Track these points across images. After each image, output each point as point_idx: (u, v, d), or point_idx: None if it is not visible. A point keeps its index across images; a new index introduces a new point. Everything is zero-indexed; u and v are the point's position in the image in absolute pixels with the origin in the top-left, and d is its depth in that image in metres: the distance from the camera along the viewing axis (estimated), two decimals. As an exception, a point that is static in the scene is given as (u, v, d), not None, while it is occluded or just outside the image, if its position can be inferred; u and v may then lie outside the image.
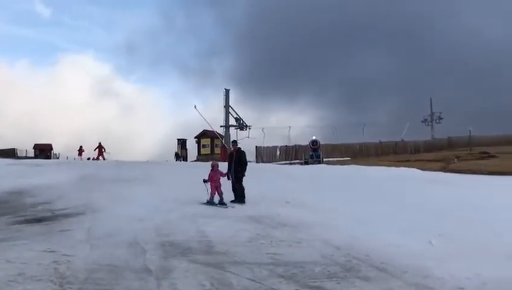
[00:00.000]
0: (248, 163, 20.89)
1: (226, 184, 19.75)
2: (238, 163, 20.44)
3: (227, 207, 18.51)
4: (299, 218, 16.62)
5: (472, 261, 11.96)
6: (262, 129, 74.95)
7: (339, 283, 9.89)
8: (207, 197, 19.27)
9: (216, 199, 19.19)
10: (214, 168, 19.82)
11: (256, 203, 18.48)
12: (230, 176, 20.27)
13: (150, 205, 18.50)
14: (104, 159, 54.53)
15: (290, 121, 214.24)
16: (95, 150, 55.69)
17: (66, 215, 16.54)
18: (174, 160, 68.64)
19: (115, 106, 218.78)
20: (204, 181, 19.43)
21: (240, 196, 19.76)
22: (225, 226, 15.03)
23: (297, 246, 12.97)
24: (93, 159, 57.25)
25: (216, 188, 19.25)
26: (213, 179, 19.41)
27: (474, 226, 16.52)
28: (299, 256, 11.83)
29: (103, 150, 55.47)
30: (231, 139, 68.77)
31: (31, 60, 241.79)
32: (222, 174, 19.65)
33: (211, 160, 21.19)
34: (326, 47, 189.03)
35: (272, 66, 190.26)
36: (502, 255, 12.83)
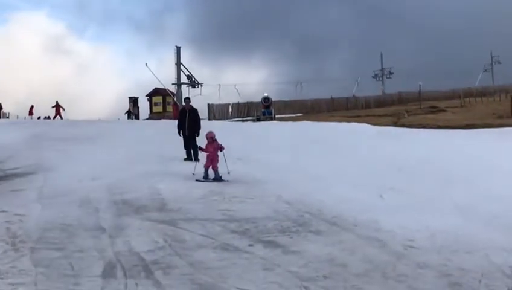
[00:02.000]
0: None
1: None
2: (193, 121, 20.10)
3: (227, 181, 15.90)
4: (252, 175, 16.72)
5: (422, 213, 12.23)
6: (219, 86, 74.73)
7: (291, 237, 10.05)
8: (194, 170, 16.57)
9: (211, 173, 16.38)
10: (208, 139, 16.97)
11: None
12: (181, 133, 19.96)
13: (102, 163, 18.37)
14: (61, 118, 53.05)
15: (246, 78, 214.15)
16: (52, 107, 54.47)
17: (17, 175, 16.39)
18: (126, 118, 67.89)
19: (68, 64, 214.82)
20: (200, 149, 17.28)
21: (195, 154, 19.33)
22: (178, 183, 15.06)
23: (250, 202, 13.09)
24: (46, 118, 56.24)
25: (211, 161, 16.47)
26: (209, 151, 16.65)
27: (423, 179, 16.84)
28: (252, 212, 11.95)
29: (61, 108, 54.30)
30: (183, 97, 68.44)
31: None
32: (220, 148, 16.61)
33: (207, 132, 17.31)
34: (279, 1, 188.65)
35: (226, 23, 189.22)
36: (450, 207, 13.16)
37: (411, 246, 9.61)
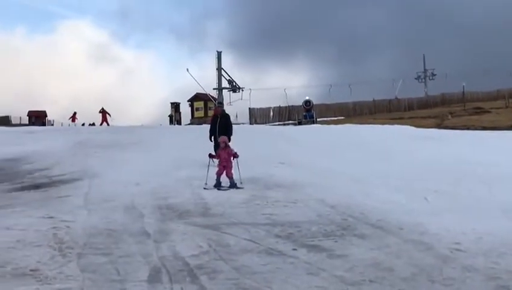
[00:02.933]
0: (241, 125, 20.72)
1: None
2: (224, 128, 19.50)
3: (242, 188, 15.31)
4: (294, 178, 16.71)
5: (467, 216, 12.07)
6: (242, 89, 74.68)
7: (336, 241, 9.99)
8: (206, 180, 15.71)
9: (224, 180, 15.79)
10: (221, 145, 16.50)
11: (250, 164, 18.33)
12: (213, 140, 19.62)
13: (145, 169, 18.57)
14: (108, 124, 53.15)
15: (287, 82, 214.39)
16: (99, 112, 54.76)
17: (63, 181, 16.62)
18: (168, 123, 68.43)
19: (111, 71, 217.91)
20: (211, 156, 16.48)
21: None
22: (224, 189, 15.15)
23: (293, 206, 13.08)
24: (91, 124, 56.75)
25: (224, 168, 15.86)
26: (221, 158, 16.04)
27: (469, 181, 16.63)
28: (295, 216, 11.94)
29: (107, 115, 54.64)
30: (224, 101, 68.53)
31: (27, 27, 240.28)
32: (234, 154, 16.14)
33: (220, 137, 17.09)
34: (320, 4, 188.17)
35: (267, 26, 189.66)
36: (496, 209, 12.95)
37: (457, 249, 9.47)
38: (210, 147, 19.19)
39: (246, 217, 11.79)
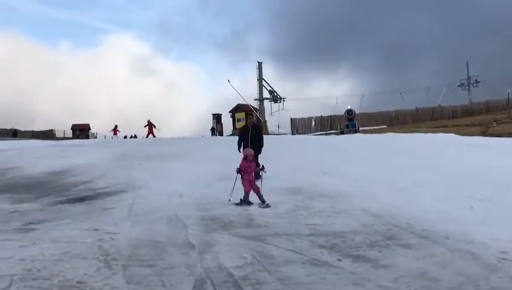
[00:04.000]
0: (283, 135, 20.52)
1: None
2: (256, 140, 18.92)
3: (269, 206, 14.34)
4: (337, 188, 16.66)
5: (514, 225, 11.90)
6: (283, 99, 74.70)
7: (380, 252, 9.90)
8: (231, 195, 14.95)
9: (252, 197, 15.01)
10: (248, 158, 15.59)
11: (293, 174, 18.33)
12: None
13: (188, 180, 18.67)
14: (154, 136, 53.57)
15: (330, 91, 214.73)
16: (144, 126, 55.29)
17: (108, 194, 16.76)
18: (210, 135, 68.81)
19: (154, 84, 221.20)
20: (239, 171, 15.36)
21: (256, 174, 17.18)
22: (264, 198, 15.11)
23: (336, 216, 13.00)
24: (132, 137, 57.23)
25: (250, 183, 15.11)
26: (246, 172, 15.27)
27: (513, 190, 16.40)
28: (339, 226, 11.86)
29: (153, 127, 54.96)
30: (265, 112, 68.58)
31: (71, 42, 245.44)
32: (256, 168, 15.68)
33: (245, 149, 16.31)
34: (363, 13, 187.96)
35: (308, 36, 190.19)
36: (543, 218, 12.74)
37: (504, 259, 9.30)
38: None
39: (289, 228, 11.74)
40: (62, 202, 15.66)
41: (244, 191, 15.00)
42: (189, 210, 13.81)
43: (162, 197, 15.67)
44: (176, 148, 31.23)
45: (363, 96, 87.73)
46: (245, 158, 15.53)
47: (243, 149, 17.56)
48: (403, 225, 11.93)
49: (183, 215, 13.09)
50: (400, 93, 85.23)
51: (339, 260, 9.35)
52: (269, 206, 14.25)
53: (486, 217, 12.74)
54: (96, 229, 11.59)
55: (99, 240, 10.68)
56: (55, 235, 11.11)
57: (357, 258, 9.46)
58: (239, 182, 15.28)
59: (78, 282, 8.15)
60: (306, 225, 12.03)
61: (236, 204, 14.64)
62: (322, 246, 10.24)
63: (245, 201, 14.81)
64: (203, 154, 28.64)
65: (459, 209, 13.64)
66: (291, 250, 9.98)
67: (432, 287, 7.92)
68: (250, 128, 19.36)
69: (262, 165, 15.46)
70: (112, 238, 10.81)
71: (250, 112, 20.34)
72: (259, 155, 18.69)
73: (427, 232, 11.21)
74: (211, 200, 15.00)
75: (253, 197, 14.89)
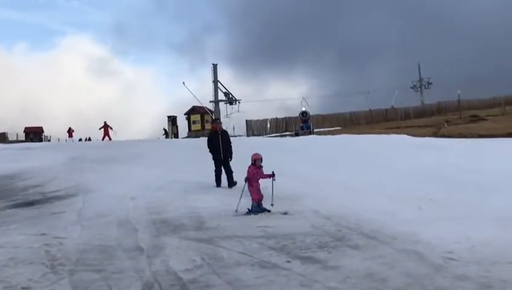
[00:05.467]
0: (238, 137, 20.45)
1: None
2: (227, 143, 18.82)
3: (270, 211, 13.67)
4: (290, 189, 16.68)
5: (461, 225, 12.08)
6: (238, 101, 75.01)
7: (329, 253, 9.94)
8: (239, 204, 13.92)
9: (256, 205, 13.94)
10: (257, 163, 14.21)
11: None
12: (218, 157, 18.57)
13: (140, 183, 18.54)
14: (110, 138, 52.77)
15: (286, 93, 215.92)
16: (100, 129, 54.31)
17: (58, 198, 16.56)
18: (164, 137, 68.32)
19: (111, 86, 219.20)
20: (247, 180, 14.10)
21: (230, 179, 18.28)
22: (215, 201, 15.09)
23: (288, 217, 13.06)
24: (87, 139, 56.55)
25: (258, 190, 14.00)
26: (254, 179, 14.02)
27: (464, 190, 16.69)
28: (290, 228, 11.88)
29: (109, 129, 53.98)
30: (221, 114, 68.54)
31: (27, 44, 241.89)
32: (266, 175, 14.18)
33: (254, 154, 14.34)
34: (319, 16, 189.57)
35: (266, 41, 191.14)
36: (491, 218, 12.96)
37: (450, 258, 9.43)
38: (207, 161, 19.17)
39: (240, 230, 11.73)
40: (10, 207, 15.44)
41: (252, 199, 13.91)
42: (141, 213, 13.72)
43: (114, 200, 15.54)
44: (131, 151, 31.02)
45: (368, 92, 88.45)
46: (253, 163, 14.19)
47: (214, 152, 17.78)
48: (353, 226, 12.02)
49: (134, 219, 13.00)
50: (368, 92, 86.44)
51: (288, 261, 9.37)
52: (269, 211, 13.59)
53: (435, 218, 12.92)
54: (44, 234, 11.42)
55: (46, 245, 10.52)
56: (1, 240, 10.93)
57: (306, 259, 9.49)
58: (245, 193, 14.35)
59: (23, 288, 8.03)
60: (257, 227, 12.03)
61: (245, 214, 13.62)
62: (271, 248, 10.25)
63: (254, 211, 13.70)
64: (156, 157, 28.48)
65: (408, 210, 13.82)
66: (241, 252, 9.97)
67: (379, 288, 7.98)
68: (219, 134, 19.04)
69: (273, 172, 14.08)
70: (60, 243, 10.67)
71: (217, 118, 19.80)
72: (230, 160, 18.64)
73: (376, 233, 11.32)
74: (163, 204, 14.91)
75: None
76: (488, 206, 14.31)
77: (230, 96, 76.01)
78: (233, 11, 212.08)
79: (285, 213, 13.57)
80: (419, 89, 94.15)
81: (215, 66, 75.95)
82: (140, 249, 10.30)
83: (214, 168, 18.64)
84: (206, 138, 19.74)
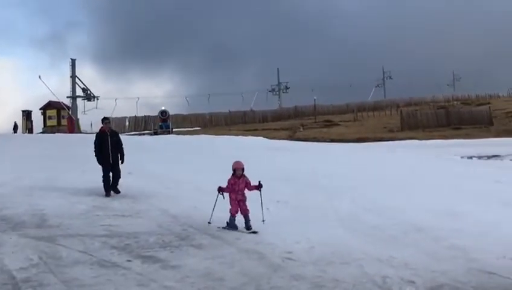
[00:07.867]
0: (94, 134, 19.03)
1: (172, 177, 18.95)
2: (116, 147, 16.47)
3: (257, 233, 11.82)
4: (141, 188, 16.56)
5: (304, 225, 12.40)
6: (97, 98, 74.11)
7: (172, 252, 9.95)
8: (210, 218, 12.42)
9: (237, 220, 12.31)
10: (237, 172, 12.62)
11: (94, 175, 17.43)
12: (106, 162, 16.16)
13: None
14: None
15: (153, 91, 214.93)
16: None
17: None
18: (12, 132, 65.33)
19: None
20: (220, 190, 12.46)
21: (114, 183, 16.26)
22: (61, 199, 14.68)
23: (134, 216, 12.97)
24: None
25: (238, 203, 12.34)
26: (234, 190, 12.42)
27: (312, 191, 17.16)
28: (135, 227, 11.80)
29: None
30: (78, 110, 67.01)
31: None
32: (253, 187, 12.64)
33: (235, 162, 12.86)
34: (190, 16, 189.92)
35: (132, 39, 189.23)
36: (334, 219, 13.43)
37: (289, 258, 9.69)
38: (65, 158, 18.67)
39: (83, 228, 11.50)
40: None
41: (230, 212, 12.30)
42: (-22, 210, 13.12)
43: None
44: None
45: (208, 95, 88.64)
46: (233, 173, 12.63)
47: (102, 155, 16.01)
48: (199, 226, 12.09)
49: (-30, 216, 12.42)
50: (242, 95, 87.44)
51: (129, 260, 9.29)
52: (256, 233, 11.82)
53: (280, 218, 13.15)
54: None
55: None
56: None
57: (148, 258, 9.45)
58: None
59: None
60: (101, 225, 11.86)
61: (223, 228, 12.09)
62: (113, 247, 10.13)
63: (231, 225, 12.20)
64: (6, 152, 27.39)
65: (256, 210, 13.96)
66: (81, 251, 9.78)
67: (215, 287, 8.07)
68: (108, 135, 16.66)
69: (259, 182, 12.57)
70: None
71: (106, 117, 16.79)
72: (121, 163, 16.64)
73: (221, 233, 11.47)
74: (4, 200, 14.33)
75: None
76: (332, 207, 14.78)
77: (89, 92, 74.58)
78: (99, 9, 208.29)
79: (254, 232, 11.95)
80: (277, 93, 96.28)
81: (73, 61, 74.42)
82: (-26, 248, 9.87)
83: (102, 175, 16.21)
84: (93, 141, 16.93)
